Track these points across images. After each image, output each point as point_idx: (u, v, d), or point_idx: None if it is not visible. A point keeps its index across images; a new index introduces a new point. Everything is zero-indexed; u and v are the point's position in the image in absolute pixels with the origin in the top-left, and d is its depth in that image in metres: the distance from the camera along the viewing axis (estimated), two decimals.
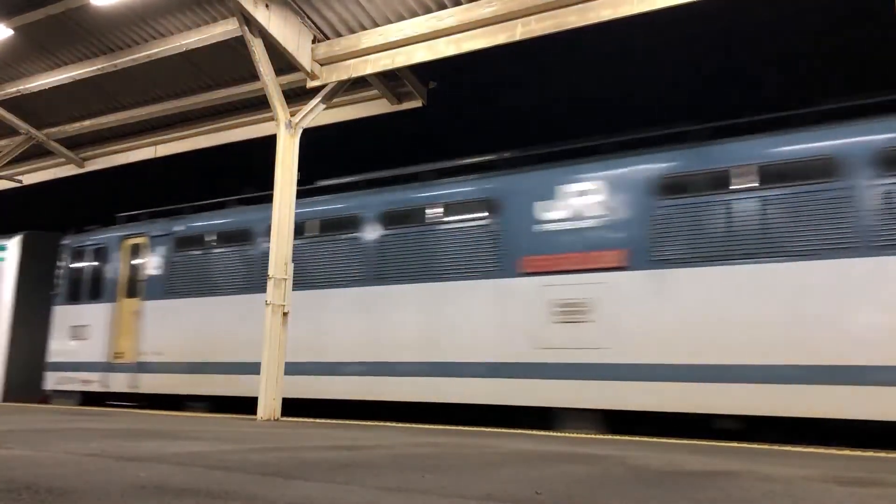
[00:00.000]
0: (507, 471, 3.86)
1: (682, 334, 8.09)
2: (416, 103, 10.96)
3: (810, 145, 8.02)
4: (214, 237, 12.28)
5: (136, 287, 13.02)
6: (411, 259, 10.14)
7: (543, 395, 8.77)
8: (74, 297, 13.89)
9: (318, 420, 9.29)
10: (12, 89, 12.59)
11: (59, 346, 13.83)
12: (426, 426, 8.30)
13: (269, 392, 8.88)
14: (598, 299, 8.62)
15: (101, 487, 2.93)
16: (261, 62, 9.52)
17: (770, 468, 4.30)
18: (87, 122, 13.55)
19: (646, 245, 8.48)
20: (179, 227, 12.78)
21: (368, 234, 10.60)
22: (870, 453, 5.91)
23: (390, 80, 10.78)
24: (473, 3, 8.90)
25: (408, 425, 8.42)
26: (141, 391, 12.50)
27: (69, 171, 14.92)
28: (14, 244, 15.02)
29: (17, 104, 13.20)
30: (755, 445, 6.51)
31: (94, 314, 13.47)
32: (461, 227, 9.82)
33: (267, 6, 9.37)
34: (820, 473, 4.08)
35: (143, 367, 12.55)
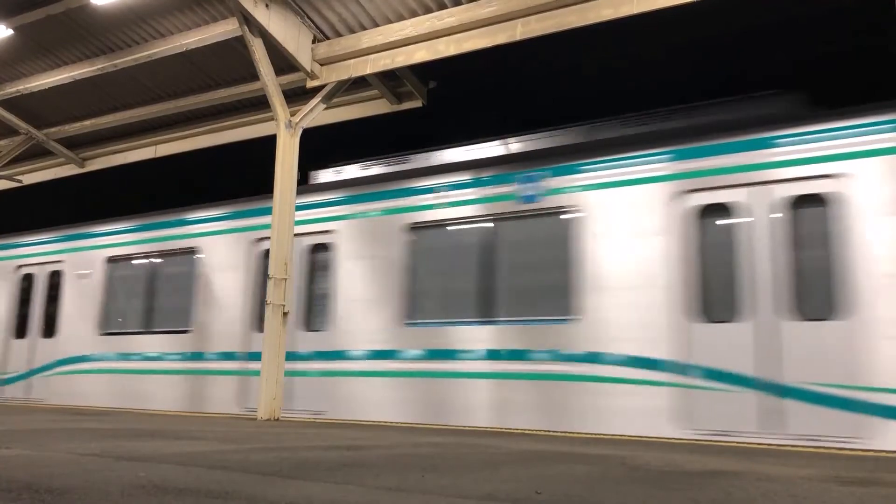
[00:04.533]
0: (507, 471, 3.86)
1: None
2: (416, 103, 10.98)
3: None
4: None
5: None
6: None
7: None
8: None
9: (318, 420, 9.30)
10: (12, 89, 12.59)
11: None
12: (426, 426, 8.30)
13: (269, 392, 8.88)
14: None
15: (101, 487, 2.93)
16: (261, 62, 9.51)
17: (770, 468, 4.30)
18: (87, 122, 13.55)
19: None
20: None
21: None
22: (870, 453, 5.90)
23: (390, 80, 10.79)
24: (473, 3, 8.90)
25: (408, 425, 8.42)
26: None
27: (69, 171, 14.92)
28: None
29: (17, 104, 13.19)
30: (755, 445, 6.51)
31: None
32: None
33: (267, 6, 9.37)
34: (820, 473, 4.08)
35: None
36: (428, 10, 9.28)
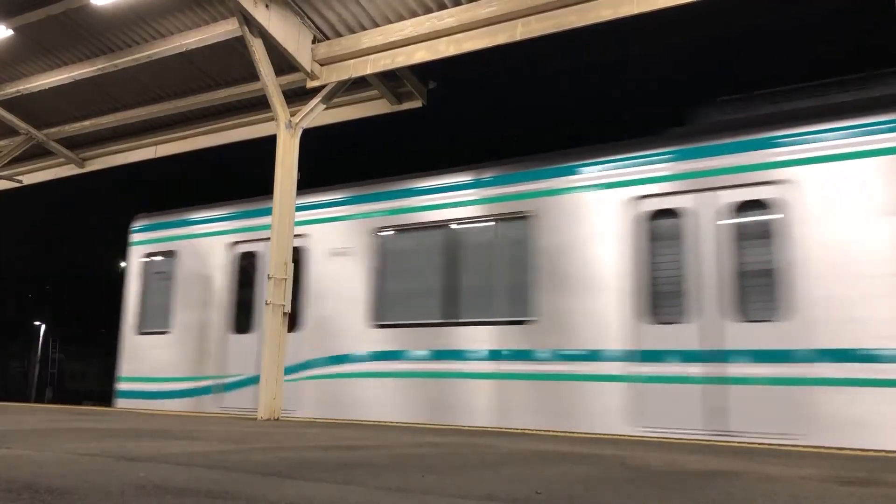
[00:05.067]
0: (507, 471, 3.86)
1: None
2: (416, 103, 10.98)
3: None
4: None
5: None
6: None
7: None
8: None
9: (317, 420, 9.29)
10: (12, 89, 12.59)
11: None
12: (426, 426, 8.30)
13: (270, 392, 8.87)
14: None
15: (101, 487, 2.93)
16: (261, 62, 9.52)
17: (770, 468, 4.29)
18: (87, 122, 13.55)
19: None
20: None
21: None
22: (870, 453, 5.90)
23: (390, 80, 10.79)
24: (473, 3, 8.91)
25: (408, 425, 8.42)
26: None
27: (69, 171, 14.93)
28: None
29: (17, 104, 13.19)
30: (755, 445, 6.50)
31: None
32: None
33: (267, 6, 9.37)
34: (820, 473, 4.07)
35: None
36: (428, 10, 9.28)
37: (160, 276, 11.80)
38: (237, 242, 11.12)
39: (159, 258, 11.97)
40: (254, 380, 10.19)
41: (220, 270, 11.14)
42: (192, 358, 11.11)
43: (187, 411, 10.30)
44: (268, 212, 9.91)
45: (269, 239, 9.65)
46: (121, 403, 11.78)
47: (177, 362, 11.21)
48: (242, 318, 10.80)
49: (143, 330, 11.85)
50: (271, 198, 9.74)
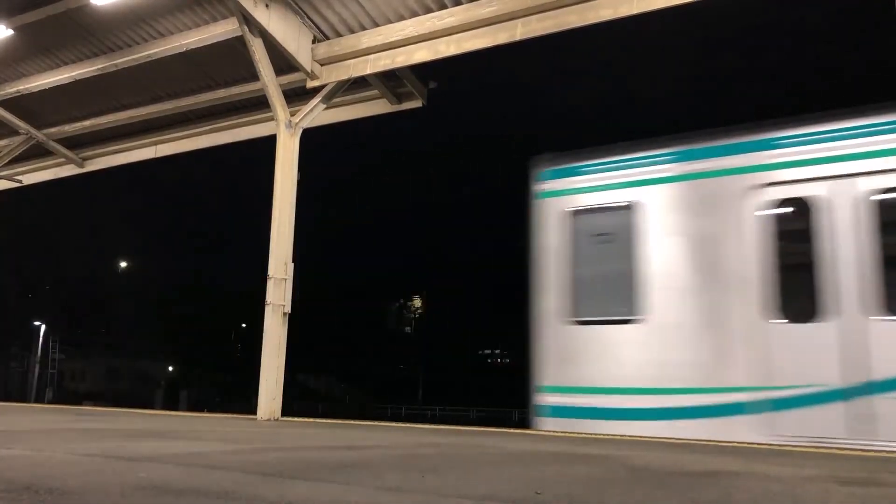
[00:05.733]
0: (507, 471, 3.86)
1: None
2: (416, 103, 10.98)
3: None
4: None
5: None
6: None
7: None
8: None
9: (318, 420, 9.29)
10: (12, 89, 12.60)
11: None
12: (426, 426, 8.29)
13: (269, 392, 8.87)
14: None
15: (101, 487, 2.93)
16: (261, 62, 9.52)
17: (770, 468, 4.29)
18: (87, 122, 13.56)
19: None
20: None
21: None
22: (870, 453, 5.90)
23: (390, 80, 10.79)
24: (473, 3, 8.91)
25: (408, 425, 8.42)
26: None
27: (69, 171, 14.93)
28: None
29: (17, 104, 13.20)
30: (755, 445, 6.50)
31: None
32: None
33: (267, 6, 9.37)
34: (820, 473, 4.07)
35: None
36: (428, 10, 9.28)
37: (604, 239, 8.34)
38: (771, 184, 7.47)
39: (600, 214, 8.36)
40: (838, 394, 6.79)
41: (736, 227, 7.56)
42: (691, 359, 7.52)
43: (649, 437, 7.04)
44: (837, 136, 7.14)
45: (847, 177, 6.96)
46: (549, 424, 8.03)
47: (658, 365, 7.67)
48: (795, 297, 7.26)
49: (579, 318, 8.14)
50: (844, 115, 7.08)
